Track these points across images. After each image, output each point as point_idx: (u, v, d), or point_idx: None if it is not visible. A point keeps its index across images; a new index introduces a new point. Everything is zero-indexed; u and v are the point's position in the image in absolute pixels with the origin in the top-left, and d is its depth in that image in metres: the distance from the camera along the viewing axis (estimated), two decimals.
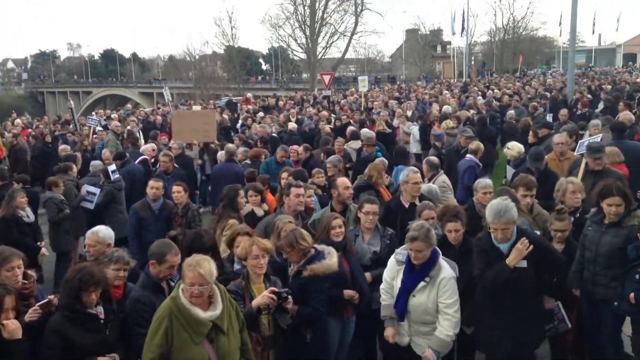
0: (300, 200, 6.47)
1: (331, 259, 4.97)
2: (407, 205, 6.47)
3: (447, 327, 4.69)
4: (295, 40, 59.55)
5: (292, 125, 15.49)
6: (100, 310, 4.20)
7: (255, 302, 4.44)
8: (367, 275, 5.55)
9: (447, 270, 4.77)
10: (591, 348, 5.62)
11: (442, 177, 8.38)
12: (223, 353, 3.95)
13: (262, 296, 4.44)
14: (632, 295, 4.88)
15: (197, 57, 68.99)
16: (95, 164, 11.02)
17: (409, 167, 7.05)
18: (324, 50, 60.14)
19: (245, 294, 4.60)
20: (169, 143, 13.44)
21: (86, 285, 4.04)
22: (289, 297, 4.50)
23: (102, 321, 4.20)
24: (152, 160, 11.82)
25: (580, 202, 6.13)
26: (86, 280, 4.04)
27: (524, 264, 4.70)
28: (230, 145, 11.95)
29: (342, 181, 6.60)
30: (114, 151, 11.77)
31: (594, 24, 63.64)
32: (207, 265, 3.88)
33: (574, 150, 8.88)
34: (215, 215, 7.32)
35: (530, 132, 11.49)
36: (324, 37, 59.04)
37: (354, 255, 5.54)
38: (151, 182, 8.05)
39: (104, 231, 5.38)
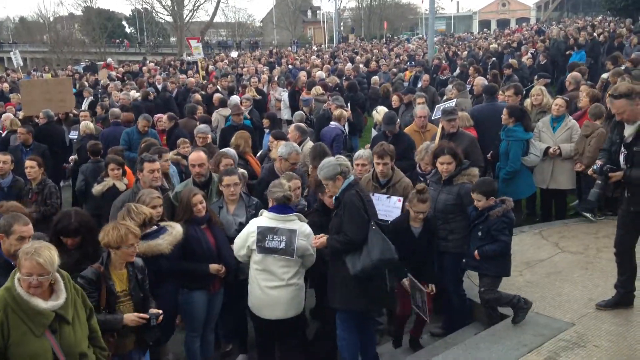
0: (155, 175, 6.09)
1: (167, 237, 4.88)
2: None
3: None
4: (160, 1, 56.90)
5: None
6: None
7: (125, 321, 4.26)
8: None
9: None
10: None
11: (310, 144, 8.45)
12: (69, 344, 3.67)
13: (132, 320, 4.26)
14: (476, 252, 5.28)
15: (51, 18, 63.74)
16: None
17: (289, 144, 6.88)
18: (191, 14, 58.12)
19: (101, 281, 4.29)
20: (16, 114, 12.39)
21: None
22: (160, 316, 4.38)
23: None
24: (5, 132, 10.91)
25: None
26: None
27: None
28: (115, 109, 11.40)
29: (195, 157, 6.27)
30: None
31: None
32: (47, 253, 3.53)
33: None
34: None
35: (395, 97, 11.92)
36: (190, 0, 57.03)
37: (219, 227, 5.45)
38: (27, 162, 7.41)
39: None
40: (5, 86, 18.77)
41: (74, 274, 4.34)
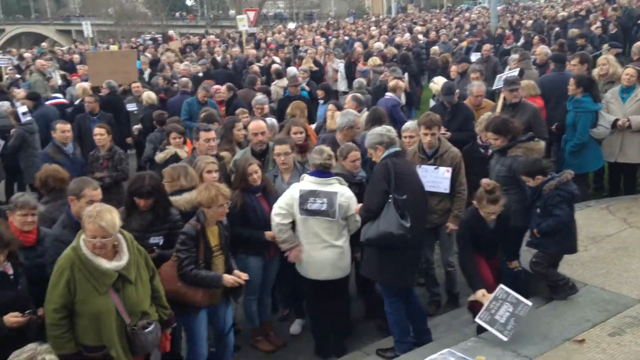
0: (210, 144, 6.18)
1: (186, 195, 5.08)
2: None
3: None
4: None
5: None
6: (7, 267, 3.96)
7: (224, 280, 4.62)
8: None
9: None
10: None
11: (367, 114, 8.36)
12: (131, 302, 3.84)
13: (229, 281, 4.64)
14: (535, 230, 5.13)
15: None
16: None
17: (348, 112, 6.77)
18: None
19: (200, 237, 4.59)
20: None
21: None
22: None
23: (11, 277, 3.97)
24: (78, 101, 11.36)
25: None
26: None
27: None
28: (183, 79, 11.76)
29: (255, 126, 6.35)
30: (43, 93, 11.19)
31: None
32: (109, 217, 3.67)
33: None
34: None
35: (453, 67, 11.62)
36: None
37: (274, 195, 5.51)
38: (59, 125, 7.74)
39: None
40: (76, 57, 19.41)
41: (147, 234, 4.58)
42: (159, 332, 4.08)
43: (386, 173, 4.88)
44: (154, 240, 4.71)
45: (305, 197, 5.19)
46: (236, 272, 4.78)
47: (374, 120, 6.49)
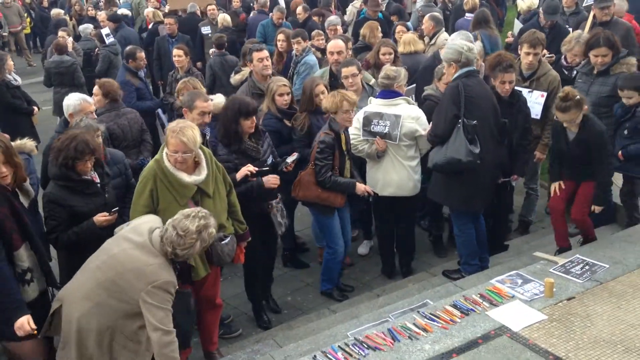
0: (264, 64, 6.07)
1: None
2: None
3: None
4: None
5: None
6: (94, 175, 4.21)
7: (357, 187, 5.02)
8: None
9: None
10: None
11: (444, 35, 8.04)
12: None
13: (362, 190, 5.05)
14: (619, 152, 4.90)
15: None
16: (83, 27, 10.78)
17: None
18: None
19: (335, 145, 4.88)
20: (160, 7, 13.04)
21: (82, 154, 3.96)
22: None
23: (98, 185, 4.22)
24: (151, 24, 11.56)
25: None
26: (82, 149, 3.95)
27: None
28: None
29: (333, 45, 6.32)
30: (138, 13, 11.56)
31: None
32: (191, 133, 3.81)
33: None
34: None
35: None
36: None
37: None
38: (140, 55, 7.84)
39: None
40: None
41: (264, 157, 4.74)
42: (234, 244, 4.30)
43: (456, 96, 4.75)
44: (270, 160, 4.82)
45: (369, 118, 5.21)
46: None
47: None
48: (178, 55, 7.75)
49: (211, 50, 10.50)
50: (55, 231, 4.00)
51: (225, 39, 8.96)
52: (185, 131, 3.81)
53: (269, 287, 5.31)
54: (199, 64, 10.37)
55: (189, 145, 3.79)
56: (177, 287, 3.46)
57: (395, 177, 5.28)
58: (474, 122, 4.69)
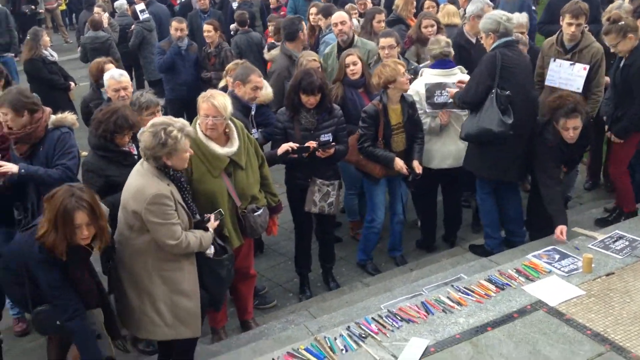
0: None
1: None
2: (474, 41, 6.03)
3: None
4: None
5: None
6: (132, 147, 4.26)
7: (395, 162, 4.90)
8: None
9: None
10: None
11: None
12: (242, 186, 4.10)
13: (400, 167, 4.92)
14: None
15: None
16: (118, 4, 10.85)
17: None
18: None
19: (379, 116, 4.85)
20: None
21: (121, 129, 4.04)
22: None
23: (135, 156, 4.24)
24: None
25: None
26: (121, 124, 4.03)
27: None
28: None
29: (336, 16, 6.22)
30: None
31: None
32: (222, 99, 3.87)
33: None
34: None
35: None
36: None
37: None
38: (174, 23, 7.92)
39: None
40: None
41: (316, 132, 4.70)
42: (267, 216, 4.35)
43: (492, 67, 4.65)
44: (324, 137, 4.72)
45: (432, 90, 5.14)
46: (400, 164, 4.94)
47: None
48: (207, 30, 7.81)
49: (232, 26, 10.47)
50: None
51: (247, 16, 8.91)
52: (216, 96, 3.89)
53: (329, 258, 5.26)
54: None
55: (219, 109, 3.85)
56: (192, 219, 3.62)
57: (453, 148, 5.22)
58: (507, 92, 4.60)
